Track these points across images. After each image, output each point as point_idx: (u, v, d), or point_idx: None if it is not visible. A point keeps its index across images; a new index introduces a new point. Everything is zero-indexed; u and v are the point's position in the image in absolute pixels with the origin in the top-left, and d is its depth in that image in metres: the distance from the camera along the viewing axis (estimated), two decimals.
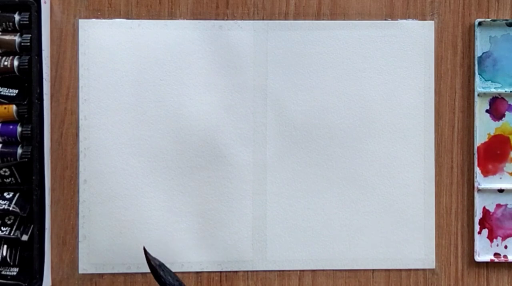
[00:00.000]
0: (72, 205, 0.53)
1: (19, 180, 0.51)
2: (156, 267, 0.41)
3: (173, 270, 0.53)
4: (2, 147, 0.51)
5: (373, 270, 0.54)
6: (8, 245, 0.51)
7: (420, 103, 0.55)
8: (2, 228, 0.51)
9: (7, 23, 0.51)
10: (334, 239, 0.54)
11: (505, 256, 0.55)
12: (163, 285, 0.39)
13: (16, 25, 0.51)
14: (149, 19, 0.54)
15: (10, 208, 0.50)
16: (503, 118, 0.55)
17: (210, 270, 0.54)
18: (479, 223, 0.55)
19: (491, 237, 0.55)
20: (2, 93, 0.51)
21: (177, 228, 0.53)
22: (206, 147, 0.54)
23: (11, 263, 0.51)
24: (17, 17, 0.51)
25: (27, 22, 0.51)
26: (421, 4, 0.55)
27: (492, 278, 0.55)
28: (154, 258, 0.40)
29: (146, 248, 0.48)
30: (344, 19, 0.55)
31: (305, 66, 0.54)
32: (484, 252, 0.55)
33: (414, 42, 0.55)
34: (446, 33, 0.55)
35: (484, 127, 0.55)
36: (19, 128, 0.51)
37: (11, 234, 0.50)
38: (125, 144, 0.54)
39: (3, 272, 0.51)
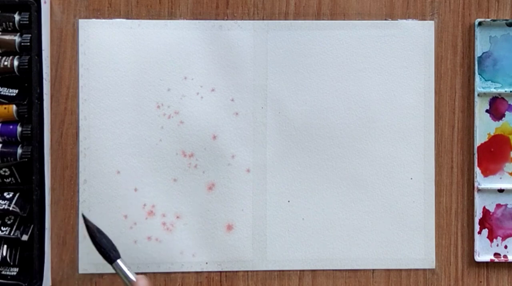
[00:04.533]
0: (72, 205, 0.53)
1: (19, 180, 0.51)
2: (94, 230, 0.47)
3: (173, 270, 0.54)
4: (2, 147, 0.51)
5: (373, 270, 0.54)
6: (8, 245, 0.51)
7: (420, 103, 0.55)
8: (2, 228, 0.51)
9: (7, 23, 0.51)
10: (334, 239, 0.54)
11: (505, 256, 0.55)
12: (98, 246, 0.47)
13: (16, 25, 0.51)
14: (149, 19, 0.54)
15: (10, 208, 0.50)
16: (503, 118, 0.55)
17: (210, 270, 0.54)
18: (479, 223, 0.55)
19: (491, 237, 0.55)
20: (2, 93, 0.51)
21: (177, 228, 0.53)
22: (206, 147, 0.54)
23: (11, 263, 0.51)
24: (17, 17, 0.51)
25: (27, 22, 0.51)
26: (421, 4, 0.55)
27: (492, 278, 0.55)
28: (92, 223, 0.48)
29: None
30: (344, 19, 0.55)
31: (305, 66, 0.54)
32: (484, 252, 0.55)
33: (414, 42, 0.55)
34: (446, 33, 0.55)
35: (484, 127, 0.55)
36: (19, 128, 0.51)
37: (11, 234, 0.50)
38: (125, 144, 0.54)
39: (3, 272, 0.51)
